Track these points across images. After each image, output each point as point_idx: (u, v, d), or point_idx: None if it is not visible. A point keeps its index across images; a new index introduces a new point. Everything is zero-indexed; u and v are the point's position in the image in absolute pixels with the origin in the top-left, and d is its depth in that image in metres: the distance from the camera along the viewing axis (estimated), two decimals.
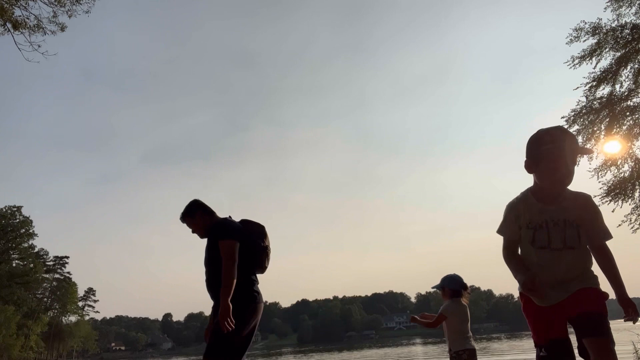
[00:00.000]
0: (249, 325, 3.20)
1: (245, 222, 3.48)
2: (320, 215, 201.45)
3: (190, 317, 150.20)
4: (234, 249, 3.17)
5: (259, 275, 3.48)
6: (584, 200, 2.46)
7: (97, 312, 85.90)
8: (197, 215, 3.46)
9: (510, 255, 2.53)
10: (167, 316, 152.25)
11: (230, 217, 3.50)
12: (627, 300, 2.35)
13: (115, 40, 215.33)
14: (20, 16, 10.33)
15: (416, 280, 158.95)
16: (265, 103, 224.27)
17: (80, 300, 76.33)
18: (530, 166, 2.45)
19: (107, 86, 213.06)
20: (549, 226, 2.40)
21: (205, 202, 3.56)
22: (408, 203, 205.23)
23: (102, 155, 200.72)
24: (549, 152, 2.34)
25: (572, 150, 2.36)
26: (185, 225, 3.54)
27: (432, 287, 4.21)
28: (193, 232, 3.50)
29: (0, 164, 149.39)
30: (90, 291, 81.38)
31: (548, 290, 2.36)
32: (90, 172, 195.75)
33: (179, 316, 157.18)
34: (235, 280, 3.07)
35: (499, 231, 2.57)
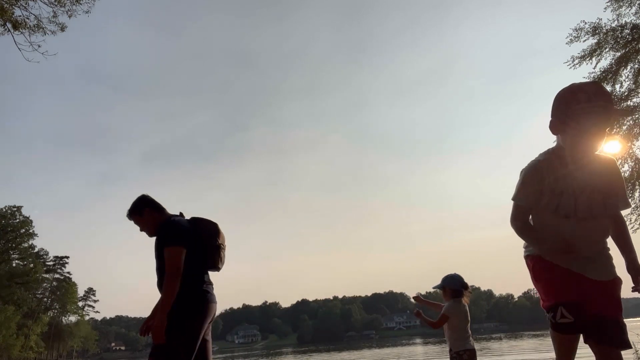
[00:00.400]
0: (200, 326, 3.02)
1: (196, 221, 3.29)
2: (320, 215, 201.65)
3: None
4: (180, 257, 2.97)
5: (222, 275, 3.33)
6: (612, 165, 2.24)
7: (97, 312, 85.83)
8: (145, 213, 3.26)
9: (524, 224, 2.28)
10: None
11: (181, 213, 3.33)
12: (638, 268, 2.21)
13: (115, 40, 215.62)
14: (20, 16, 10.33)
15: (416, 280, 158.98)
16: (266, 103, 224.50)
17: (80, 300, 76.39)
18: (556, 127, 2.16)
19: (107, 86, 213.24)
20: (576, 193, 2.15)
21: (155, 200, 3.34)
22: (408, 203, 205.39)
23: (102, 155, 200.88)
24: (582, 112, 2.04)
25: (607, 111, 2.07)
26: (132, 222, 3.33)
27: (433, 287, 4.21)
28: (141, 230, 3.30)
29: (0, 163, 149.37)
30: (90, 291, 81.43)
31: (572, 261, 2.18)
32: (90, 172, 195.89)
33: None
34: (175, 294, 2.89)
35: (516, 197, 2.28)
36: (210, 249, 3.21)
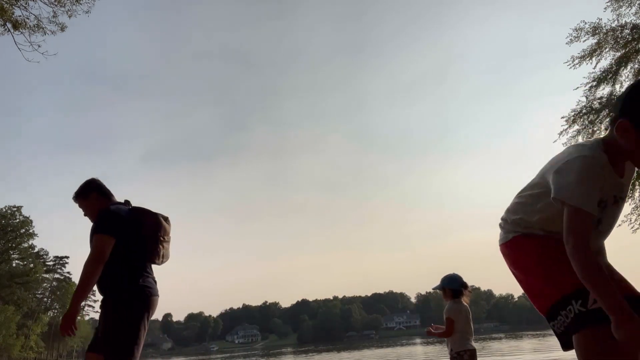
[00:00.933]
0: (140, 321, 2.91)
1: (137, 211, 3.16)
2: (320, 215, 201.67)
3: (190, 317, 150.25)
4: (105, 246, 2.87)
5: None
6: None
7: (97, 312, 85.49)
8: (91, 197, 3.19)
9: (587, 246, 1.62)
10: (167, 316, 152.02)
11: (126, 201, 3.25)
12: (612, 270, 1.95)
13: (115, 40, 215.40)
14: (20, 16, 10.36)
15: (416, 280, 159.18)
16: (265, 103, 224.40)
17: None
18: (630, 133, 1.64)
19: (107, 86, 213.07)
20: (609, 203, 1.79)
21: (103, 183, 3.28)
22: (408, 203, 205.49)
23: (102, 155, 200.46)
24: None
25: None
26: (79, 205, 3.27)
27: (433, 288, 4.21)
28: (85, 214, 3.23)
29: (0, 163, 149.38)
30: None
31: None
32: (90, 172, 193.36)
33: (179, 316, 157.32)
34: (93, 283, 2.81)
35: (581, 200, 1.64)
36: (149, 242, 3.08)
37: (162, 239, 3.14)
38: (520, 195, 1.99)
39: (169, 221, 3.25)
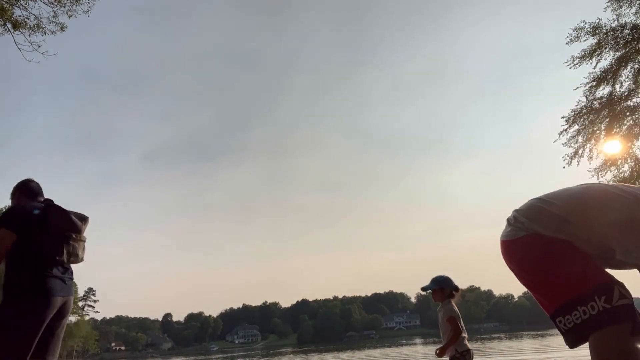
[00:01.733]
0: (35, 322, 2.77)
1: (49, 209, 3.05)
2: (321, 215, 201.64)
3: (190, 317, 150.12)
4: (2, 239, 2.81)
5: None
6: None
7: (97, 312, 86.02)
8: (14, 199, 3.20)
9: None
10: (167, 316, 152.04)
11: (46, 200, 3.18)
12: None
13: (115, 40, 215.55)
14: (20, 16, 10.34)
15: (416, 280, 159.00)
16: (265, 103, 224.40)
17: (80, 300, 76.47)
18: None
19: (107, 86, 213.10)
20: None
21: (32, 185, 3.25)
22: (408, 203, 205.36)
23: (102, 155, 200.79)
24: None
25: None
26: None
27: (422, 289, 4.15)
28: None
29: (0, 163, 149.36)
30: (90, 291, 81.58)
31: None
32: (90, 172, 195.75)
33: (179, 316, 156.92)
34: None
35: None
36: (54, 239, 2.96)
37: (69, 236, 3.03)
38: (549, 203, 1.81)
39: (86, 221, 3.18)
